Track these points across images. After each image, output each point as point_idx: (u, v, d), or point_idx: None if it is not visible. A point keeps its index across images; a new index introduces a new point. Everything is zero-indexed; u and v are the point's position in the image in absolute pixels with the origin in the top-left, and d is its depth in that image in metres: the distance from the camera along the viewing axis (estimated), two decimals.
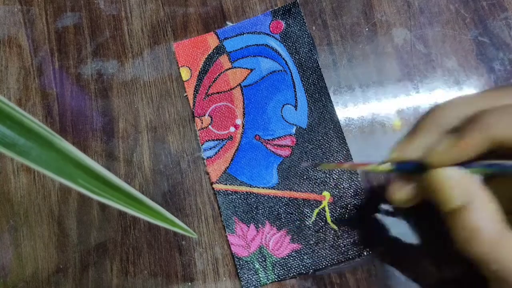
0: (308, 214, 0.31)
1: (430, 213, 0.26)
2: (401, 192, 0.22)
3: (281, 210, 0.31)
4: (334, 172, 0.31)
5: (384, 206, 0.30)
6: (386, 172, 0.23)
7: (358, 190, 0.31)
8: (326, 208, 0.30)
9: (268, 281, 0.30)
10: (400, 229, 0.29)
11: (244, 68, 0.33)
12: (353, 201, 0.30)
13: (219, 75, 0.34)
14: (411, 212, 0.26)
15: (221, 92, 0.33)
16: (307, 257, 0.30)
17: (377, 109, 0.32)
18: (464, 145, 0.19)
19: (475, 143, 0.19)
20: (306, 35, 0.33)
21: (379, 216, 0.30)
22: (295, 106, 0.32)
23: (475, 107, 0.20)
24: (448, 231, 0.20)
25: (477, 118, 0.19)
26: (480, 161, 0.20)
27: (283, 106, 0.32)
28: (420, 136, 0.21)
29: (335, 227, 0.30)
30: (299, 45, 0.33)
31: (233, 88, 0.33)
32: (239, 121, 0.33)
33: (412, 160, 0.22)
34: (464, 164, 0.20)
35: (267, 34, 0.34)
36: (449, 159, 0.20)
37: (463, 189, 0.19)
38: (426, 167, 0.21)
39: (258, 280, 0.30)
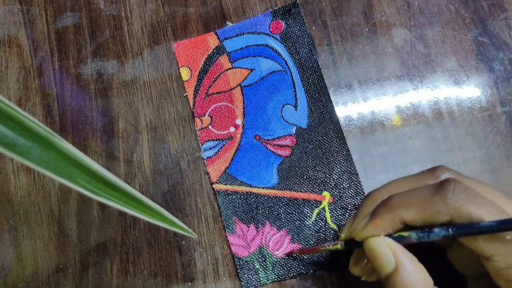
0: (308, 214, 0.31)
1: None
2: (357, 267, 0.25)
3: (281, 210, 0.31)
4: (334, 172, 0.31)
5: None
6: (338, 250, 0.26)
7: (358, 190, 0.31)
8: (326, 208, 0.30)
9: (268, 281, 0.30)
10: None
11: (244, 68, 0.33)
12: (353, 201, 0.30)
13: (219, 75, 0.34)
14: None
15: (221, 92, 0.33)
16: (307, 257, 0.30)
17: (377, 109, 0.32)
18: (375, 224, 0.22)
19: (383, 222, 0.22)
20: (306, 35, 0.33)
21: None
22: (295, 106, 0.32)
23: (396, 190, 0.23)
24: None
25: (387, 200, 0.23)
26: (408, 230, 0.22)
27: (283, 106, 0.32)
28: (358, 216, 0.24)
29: (335, 227, 0.30)
30: (299, 45, 0.33)
31: (233, 88, 0.33)
32: (239, 121, 0.33)
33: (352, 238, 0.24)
34: (394, 234, 0.22)
35: (267, 34, 0.34)
36: (366, 236, 0.23)
37: (389, 255, 0.22)
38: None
39: (258, 280, 0.30)
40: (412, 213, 0.21)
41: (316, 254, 0.30)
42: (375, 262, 0.22)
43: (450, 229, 0.20)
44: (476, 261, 0.22)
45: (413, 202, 0.21)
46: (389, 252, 0.22)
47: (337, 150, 0.31)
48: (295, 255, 0.30)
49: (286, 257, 0.30)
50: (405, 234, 0.22)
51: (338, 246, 0.25)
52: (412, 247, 0.22)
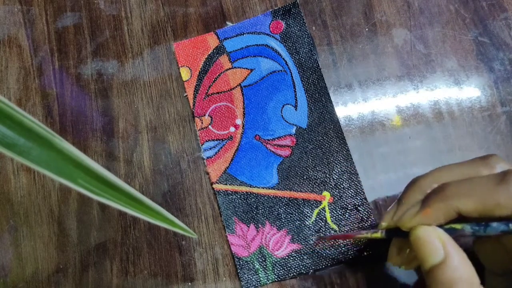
0: (308, 214, 0.30)
1: None
2: (398, 257, 0.24)
3: (281, 210, 0.31)
4: (334, 172, 0.31)
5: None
6: (378, 239, 0.25)
7: (358, 190, 0.31)
8: (326, 208, 0.30)
9: (268, 281, 0.30)
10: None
11: (244, 68, 0.33)
12: (353, 201, 0.30)
13: (219, 75, 0.34)
14: None
15: (221, 92, 0.33)
16: (307, 257, 0.30)
17: (377, 109, 0.32)
18: (426, 213, 0.22)
19: (435, 211, 0.21)
20: (306, 35, 0.33)
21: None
22: (295, 106, 0.32)
23: (447, 178, 0.22)
24: None
25: (439, 189, 0.22)
26: (460, 222, 0.21)
27: (283, 106, 0.32)
28: (403, 204, 0.23)
29: (335, 227, 0.30)
30: (299, 45, 0.33)
31: (233, 88, 0.33)
32: (239, 121, 0.33)
33: (397, 227, 0.24)
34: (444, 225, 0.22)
35: (267, 34, 0.34)
36: (416, 225, 0.22)
37: (439, 247, 0.21)
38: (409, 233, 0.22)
39: (258, 280, 0.30)
40: (470, 204, 0.20)
41: (316, 258, 0.30)
42: (421, 251, 0.21)
43: (511, 224, 0.19)
44: (507, 258, 0.21)
45: (471, 193, 0.20)
46: (438, 243, 0.21)
47: (337, 150, 0.31)
48: (328, 241, 0.29)
49: (287, 256, 0.30)
50: (458, 226, 0.21)
51: (378, 235, 0.24)
52: None
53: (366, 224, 0.30)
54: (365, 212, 0.30)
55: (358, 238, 0.27)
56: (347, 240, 0.29)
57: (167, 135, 0.33)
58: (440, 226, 0.21)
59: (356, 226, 0.30)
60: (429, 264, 0.21)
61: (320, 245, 0.29)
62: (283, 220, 0.31)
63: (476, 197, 0.20)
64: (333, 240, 0.29)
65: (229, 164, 0.32)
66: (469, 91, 0.31)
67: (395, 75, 0.32)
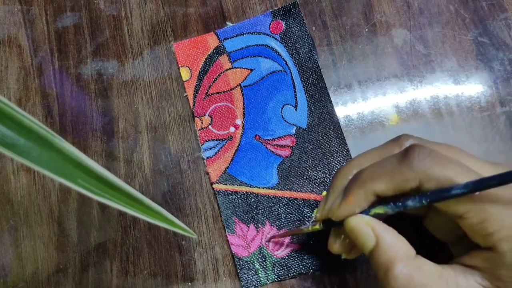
0: (308, 214, 0.31)
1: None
2: (337, 246, 0.25)
3: (281, 210, 0.31)
4: (334, 172, 0.31)
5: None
6: (318, 230, 0.26)
7: None
8: None
9: (268, 281, 0.30)
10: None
11: (244, 68, 0.33)
12: None
13: (219, 75, 0.34)
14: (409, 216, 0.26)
15: (221, 92, 0.33)
16: (307, 257, 0.30)
17: (377, 109, 0.32)
18: (349, 201, 0.23)
19: (356, 198, 0.22)
20: (306, 36, 0.33)
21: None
22: (295, 106, 0.32)
23: (365, 164, 0.23)
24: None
25: (357, 175, 0.23)
26: (382, 205, 0.22)
27: (283, 106, 0.33)
28: (330, 194, 0.24)
29: None
30: (299, 46, 0.33)
31: (233, 88, 0.33)
32: (239, 121, 0.33)
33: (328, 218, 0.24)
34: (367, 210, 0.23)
35: (267, 35, 0.34)
36: (343, 214, 0.23)
37: (369, 233, 0.22)
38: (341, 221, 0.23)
39: (258, 280, 0.30)
40: (382, 184, 0.21)
41: (316, 258, 0.30)
42: (357, 240, 0.22)
43: (423, 199, 0.21)
44: (453, 225, 0.22)
45: (382, 174, 0.21)
46: (368, 229, 0.22)
47: (337, 150, 0.31)
48: (276, 239, 0.30)
49: (286, 256, 0.30)
50: (380, 211, 0.22)
51: (317, 227, 0.25)
52: (392, 221, 0.23)
53: None
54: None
55: (301, 233, 0.28)
56: (293, 236, 0.30)
57: (167, 135, 0.33)
58: (366, 212, 0.23)
59: None
60: (366, 250, 0.22)
61: (269, 246, 0.30)
62: (283, 220, 0.31)
63: (386, 177, 0.21)
64: (282, 239, 0.30)
65: (229, 164, 0.32)
66: (468, 91, 0.31)
67: (394, 75, 0.32)
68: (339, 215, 0.23)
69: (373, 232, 0.22)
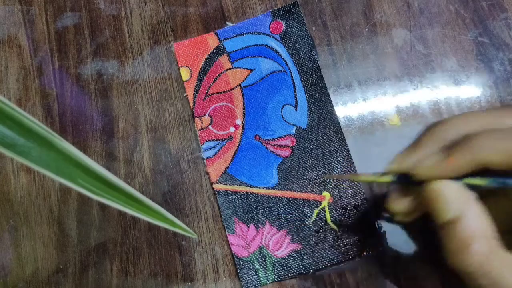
0: (308, 214, 0.31)
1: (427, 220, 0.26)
2: (399, 204, 0.23)
3: (281, 210, 0.31)
4: (334, 172, 0.31)
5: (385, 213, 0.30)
6: (386, 183, 0.23)
7: (358, 190, 0.31)
8: (326, 208, 0.30)
9: (268, 281, 0.30)
10: (399, 230, 0.29)
11: (244, 69, 0.33)
12: (353, 201, 0.30)
13: (219, 75, 0.34)
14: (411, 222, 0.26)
15: (221, 92, 0.33)
16: (307, 257, 0.30)
17: (377, 109, 0.32)
18: (450, 163, 0.20)
19: (460, 162, 0.20)
20: (306, 36, 0.33)
21: (380, 220, 0.30)
22: (295, 107, 0.32)
23: (471, 126, 0.21)
24: (440, 244, 0.21)
25: (466, 139, 0.20)
26: (477, 176, 0.20)
27: (283, 106, 0.32)
28: (419, 149, 0.22)
29: (335, 227, 0.30)
30: (299, 46, 0.33)
31: (233, 88, 0.33)
32: (239, 121, 0.33)
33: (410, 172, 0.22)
34: (461, 178, 0.21)
35: (267, 35, 0.34)
36: (435, 175, 0.21)
37: (457, 202, 0.20)
38: (423, 180, 0.21)
39: (258, 280, 0.30)
40: (498, 157, 0.19)
41: (316, 258, 0.30)
42: (437, 204, 0.20)
43: None
44: None
45: (499, 146, 0.19)
46: (456, 197, 0.20)
47: (337, 150, 0.31)
48: (348, 180, 0.29)
49: (288, 255, 0.30)
50: (480, 182, 0.20)
51: (388, 179, 0.23)
52: None
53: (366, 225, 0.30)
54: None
55: (364, 180, 0.25)
56: (354, 180, 0.28)
57: (167, 135, 0.33)
58: (460, 178, 0.20)
59: (356, 226, 0.30)
60: (444, 219, 0.20)
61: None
62: (283, 220, 0.31)
63: (504, 151, 0.19)
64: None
65: (229, 164, 0.32)
66: (468, 92, 0.31)
67: (395, 75, 0.32)
68: (429, 175, 0.21)
69: (460, 204, 0.20)
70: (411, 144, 0.23)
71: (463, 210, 0.20)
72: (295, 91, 0.33)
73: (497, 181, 0.20)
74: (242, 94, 0.33)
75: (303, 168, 0.31)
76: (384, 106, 0.32)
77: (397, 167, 0.23)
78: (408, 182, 0.23)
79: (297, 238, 0.30)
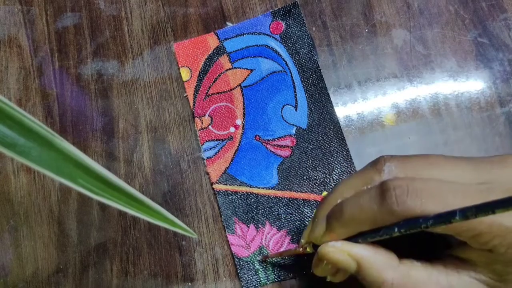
0: (308, 215, 0.31)
1: None
2: (320, 270, 0.25)
3: (281, 211, 0.31)
4: (334, 172, 0.31)
5: None
6: (309, 253, 0.26)
7: None
8: None
9: (268, 281, 0.30)
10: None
11: (244, 69, 0.33)
12: None
13: (219, 75, 0.34)
14: None
15: (221, 93, 0.33)
16: (307, 257, 0.30)
17: (377, 110, 0.32)
18: (331, 237, 0.23)
19: (338, 235, 0.23)
20: (306, 36, 0.33)
21: None
22: (295, 107, 0.32)
23: (347, 192, 0.23)
24: None
25: (338, 211, 0.23)
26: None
27: (283, 106, 0.33)
28: (315, 222, 0.25)
29: None
30: (299, 46, 0.33)
31: (233, 89, 0.33)
32: (239, 122, 0.33)
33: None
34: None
35: (267, 35, 0.34)
36: (326, 240, 0.23)
37: (347, 259, 0.22)
38: None
39: (258, 280, 0.30)
40: (366, 227, 0.22)
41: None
42: (338, 267, 0.23)
43: (396, 229, 0.21)
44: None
45: (362, 217, 0.22)
46: (344, 255, 0.22)
47: (337, 151, 0.31)
48: (269, 259, 0.30)
49: (281, 259, 0.30)
50: (363, 242, 0.23)
51: (308, 250, 0.26)
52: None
53: None
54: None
55: (292, 254, 0.28)
56: (283, 256, 0.30)
57: (167, 135, 0.33)
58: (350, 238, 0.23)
59: None
60: (351, 272, 0.23)
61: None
62: (283, 221, 0.31)
63: (368, 222, 0.22)
64: (273, 259, 0.30)
65: (229, 164, 0.32)
66: (468, 92, 0.32)
67: (394, 75, 0.32)
68: (322, 243, 0.24)
69: (351, 256, 0.22)
70: (313, 217, 0.25)
71: (358, 260, 0.22)
72: (295, 92, 0.33)
73: (377, 236, 0.22)
74: (242, 94, 0.33)
75: (303, 168, 0.31)
76: (384, 106, 0.32)
77: (304, 241, 0.26)
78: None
79: (297, 238, 0.30)
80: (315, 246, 0.25)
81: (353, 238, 0.23)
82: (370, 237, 0.22)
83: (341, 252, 0.22)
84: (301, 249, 0.26)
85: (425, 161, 0.22)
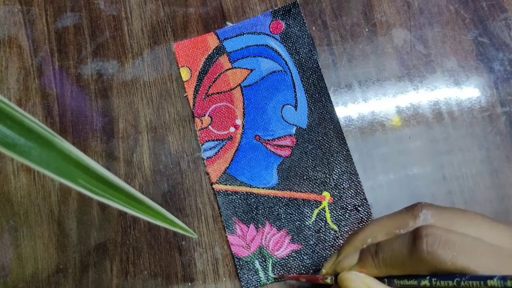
0: (308, 215, 0.31)
1: None
2: None
3: (281, 211, 0.31)
4: (334, 172, 0.31)
5: None
6: (328, 284, 0.26)
7: (358, 190, 0.31)
8: (326, 209, 0.30)
9: (268, 281, 0.30)
10: None
11: (244, 69, 0.33)
12: (353, 202, 0.30)
13: (219, 75, 0.34)
14: None
15: (221, 93, 0.33)
16: (307, 257, 0.30)
17: (377, 109, 0.32)
18: (361, 272, 0.23)
19: (369, 269, 0.23)
20: (306, 36, 0.33)
21: None
22: (295, 107, 0.32)
23: (378, 234, 0.24)
24: None
25: (372, 252, 0.23)
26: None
27: (283, 106, 0.33)
28: (341, 256, 0.25)
29: (335, 227, 0.30)
30: (299, 46, 0.33)
31: (233, 89, 0.33)
32: (239, 122, 0.33)
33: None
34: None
35: (267, 35, 0.34)
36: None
37: (361, 285, 0.23)
38: None
39: (258, 280, 0.30)
40: (396, 271, 0.22)
41: (316, 258, 0.30)
42: None
43: (428, 278, 0.21)
44: None
45: (395, 263, 0.22)
46: (363, 286, 0.22)
47: (337, 151, 0.31)
48: (286, 280, 0.30)
49: (288, 255, 0.30)
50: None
51: (328, 281, 0.26)
52: None
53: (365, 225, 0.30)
54: (365, 212, 0.30)
55: (309, 280, 0.28)
56: (299, 281, 0.29)
57: (167, 135, 0.33)
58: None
59: (355, 226, 0.30)
60: None
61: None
62: (283, 221, 0.31)
63: (399, 267, 0.22)
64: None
65: (229, 165, 0.32)
66: (469, 92, 0.31)
67: (395, 75, 0.32)
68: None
69: (366, 284, 0.22)
70: (337, 251, 0.26)
71: None
72: (295, 91, 0.33)
73: (398, 279, 0.22)
74: (242, 94, 0.33)
75: (303, 168, 0.31)
76: (384, 106, 0.32)
77: (325, 271, 0.26)
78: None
79: (297, 238, 0.30)
80: (336, 280, 0.25)
81: (380, 278, 0.23)
82: (397, 280, 0.22)
83: (362, 283, 0.22)
84: (321, 280, 0.26)
85: (463, 216, 0.22)
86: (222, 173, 0.32)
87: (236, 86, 0.33)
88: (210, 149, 0.32)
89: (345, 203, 0.30)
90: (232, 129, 0.33)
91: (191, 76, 0.34)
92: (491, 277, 0.18)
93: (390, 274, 0.22)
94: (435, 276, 0.20)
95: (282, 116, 0.32)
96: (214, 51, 0.34)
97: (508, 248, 0.21)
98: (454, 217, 0.22)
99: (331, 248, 0.30)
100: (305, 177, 0.31)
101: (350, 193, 0.30)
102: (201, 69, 0.34)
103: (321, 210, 0.30)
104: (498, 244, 0.21)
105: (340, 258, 0.25)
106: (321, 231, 0.30)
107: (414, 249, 0.21)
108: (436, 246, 0.20)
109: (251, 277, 0.30)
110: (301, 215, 0.31)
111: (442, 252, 0.20)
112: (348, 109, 0.32)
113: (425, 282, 0.21)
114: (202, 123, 0.33)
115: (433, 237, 0.20)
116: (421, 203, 0.24)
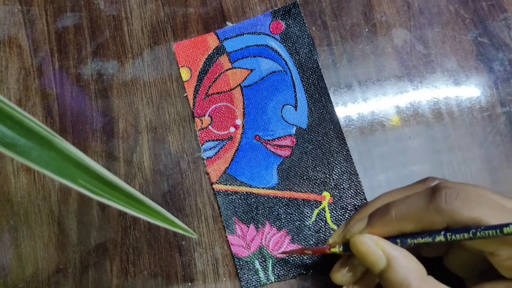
0: (308, 215, 0.31)
1: None
2: (338, 274, 0.25)
3: (281, 211, 0.31)
4: (334, 172, 0.31)
5: None
6: (336, 253, 0.25)
7: (358, 190, 0.31)
8: (326, 209, 0.30)
9: (268, 281, 0.30)
10: None
11: (244, 69, 0.33)
12: (353, 202, 0.30)
13: (219, 75, 0.34)
14: None
15: (221, 93, 0.33)
16: (307, 257, 0.30)
17: (377, 109, 0.32)
18: (372, 232, 0.23)
19: (381, 231, 0.23)
20: (306, 36, 0.33)
21: None
22: (295, 107, 0.32)
23: (393, 199, 0.24)
24: None
25: (383, 210, 0.23)
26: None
27: (283, 106, 0.33)
28: (352, 220, 0.25)
29: (335, 227, 0.30)
30: (299, 46, 0.33)
31: (233, 89, 0.33)
32: (239, 122, 0.33)
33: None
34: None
35: (267, 35, 0.34)
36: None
37: (380, 253, 0.22)
38: None
39: (258, 280, 0.30)
40: (408, 225, 0.22)
41: (316, 258, 0.30)
42: (366, 260, 0.22)
43: (443, 233, 0.21)
44: (477, 261, 0.22)
45: (409, 215, 0.22)
46: (378, 249, 0.22)
47: (337, 151, 0.31)
48: (294, 255, 0.30)
49: (286, 257, 0.30)
50: (403, 245, 0.22)
51: (336, 250, 0.25)
52: None
53: None
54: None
55: (314, 252, 0.28)
56: (305, 254, 0.29)
57: (167, 135, 0.33)
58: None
59: None
60: (377, 270, 0.22)
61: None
62: (283, 221, 0.31)
63: (413, 220, 0.22)
64: (299, 255, 0.30)
65: (229, 165, 0.32)
66: (468, 92, 0.32)
67: (395, 75, 0.32)
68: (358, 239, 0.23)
69: (383, 252, 0.22)
70: (346, 221, 0.26)
71: (389, 258, 0.22)
72: (295, 91, 0.33)
73: (414, 240, 0.22)
74: (242, 94, 0.33)
75: (303, 168, 0.31)
76: (384, 106, 0.32)
77: (333, 240, 0.26)
78: (349, 250, 0.24)
79: (297, 238, 0.30)
80: (345, 248, 0.24)
81: (392, 239, 0.23)
82: (411, 239, 0.22)
83: (376, 244, 0.22)
84: (328, 248, 0.25)
85: (474, 187, 0.22)
86: (222, 173, 0.32)
87: (236, 86, 0.33)
88: (210, 149, 0.32)
89: (345, 203, 0.30)
90: (232, 129, 0.33)
91: (191, 76, 0.34)
92: (507, 225, 0.18)
93: (401, 231, 0.22)
94: (450, 231, 0.20)
95: (282, 116, 0.32)
96: (214, 51, 0.34)
97: None
98: (467, 190, 0.22)
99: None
100: (305, 177, 0.31)
101: (350, 193, 0.31)
102: (201, 69, 0.34)
103: (321, 210, 0.30)
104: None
105: (349, 226, 0.24)
106: (321, 231, 0.30)
107: (433, 200, 0.21)
108: (454, 197, 0.20)
109: (251, 277, 0.30)
110: (301, 215, 0.31)
111: (459, 203, 0.20)
112: (348, 109, 0.32)
113: (440, 237, 0.21)
114: (202, 123, 0.33)
115: (452, 190, 0.21)
116: (432, 176, 0.24)
